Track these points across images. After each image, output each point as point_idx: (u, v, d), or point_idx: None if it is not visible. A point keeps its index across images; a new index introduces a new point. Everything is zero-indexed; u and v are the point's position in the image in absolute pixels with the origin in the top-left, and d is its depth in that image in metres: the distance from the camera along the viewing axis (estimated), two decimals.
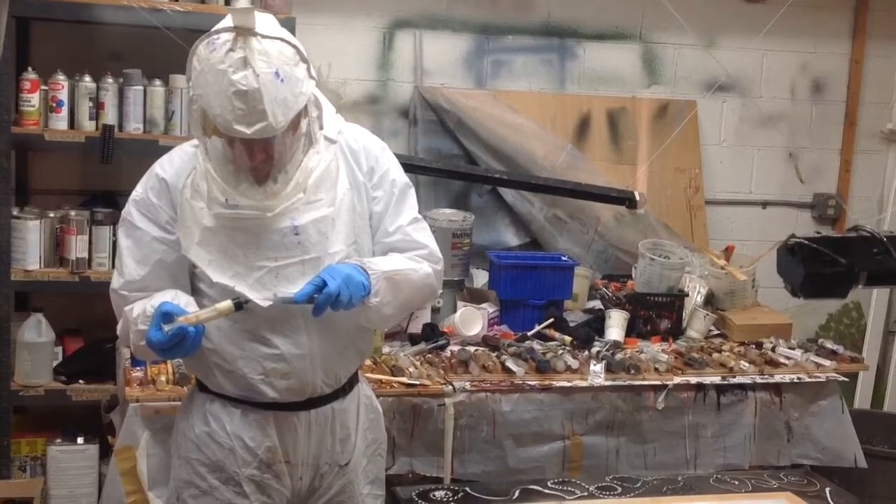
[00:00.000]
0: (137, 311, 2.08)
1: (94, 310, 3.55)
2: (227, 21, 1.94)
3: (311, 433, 2.21)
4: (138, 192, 2.15)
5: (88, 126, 3.37)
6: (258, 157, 1.99)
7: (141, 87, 3.41)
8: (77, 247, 3.38)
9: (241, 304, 1.99)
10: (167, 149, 2.21)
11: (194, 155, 2.10)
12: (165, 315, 1.98)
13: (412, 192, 2.28)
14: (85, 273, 3.39)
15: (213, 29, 1.96)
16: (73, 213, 3.42)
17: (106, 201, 3.55)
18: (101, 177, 3.63)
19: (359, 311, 2.10)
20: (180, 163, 2.14)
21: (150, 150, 3.30)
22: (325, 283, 1.99)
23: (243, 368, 2.12)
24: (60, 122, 3.37)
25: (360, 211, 2.18)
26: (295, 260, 2.06)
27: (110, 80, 3.39)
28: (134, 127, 3.40)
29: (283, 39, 1.96)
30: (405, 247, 2.22)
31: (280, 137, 1.98)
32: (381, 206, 2.21)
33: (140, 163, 3.32)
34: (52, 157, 3.63)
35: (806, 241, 1.55)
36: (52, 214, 3.42)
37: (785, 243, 1.58)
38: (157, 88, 3.42)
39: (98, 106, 3.38)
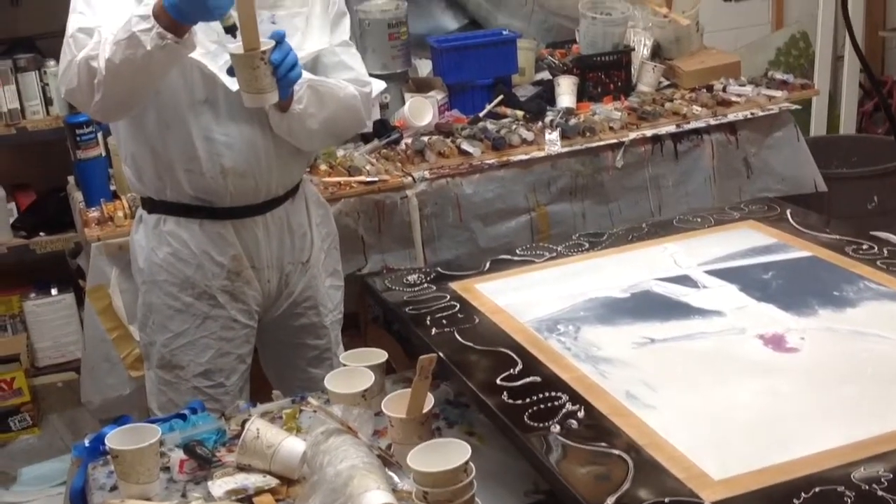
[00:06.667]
0: (117, 24, 1.91)
1: (38, 160, 3.49)
2: None
3: (270, 235, 2.24)
4: None
5: None
6: None
7: None
8: (6, 98, 3.27)
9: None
10: None
11: None
12: None
13: (347, 19, 2.27)
14: (20, 124, 3.30)
15: None
16: None
17: (26, 46, 3.42)
18: (14, 23, 3.48)
19: (280, 121, 2.09)
20: None
21: None
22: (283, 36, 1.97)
23: (204, 164, 2.11)
24: None
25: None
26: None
27: None
28: None
29: None
30: (329, 65, 2.20)
31: None
32: None
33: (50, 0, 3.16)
34: None
35: None
36: None
37: None
38: None
39: None
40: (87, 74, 1.93)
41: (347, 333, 2.60)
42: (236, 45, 1.92)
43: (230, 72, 1.96)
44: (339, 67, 2.22)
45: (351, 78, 2.23)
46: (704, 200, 3.26)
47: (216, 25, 1.93)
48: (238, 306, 2.25)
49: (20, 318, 3.51)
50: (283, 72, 1.94)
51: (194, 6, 1.83)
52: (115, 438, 1.71)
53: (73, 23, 1.99)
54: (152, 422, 1.81)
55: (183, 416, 1.91)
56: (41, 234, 3.42)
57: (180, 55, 1.92)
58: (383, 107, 3.41)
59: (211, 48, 2.04)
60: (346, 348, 2.41)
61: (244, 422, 1.82)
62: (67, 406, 3.48)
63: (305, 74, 2.08)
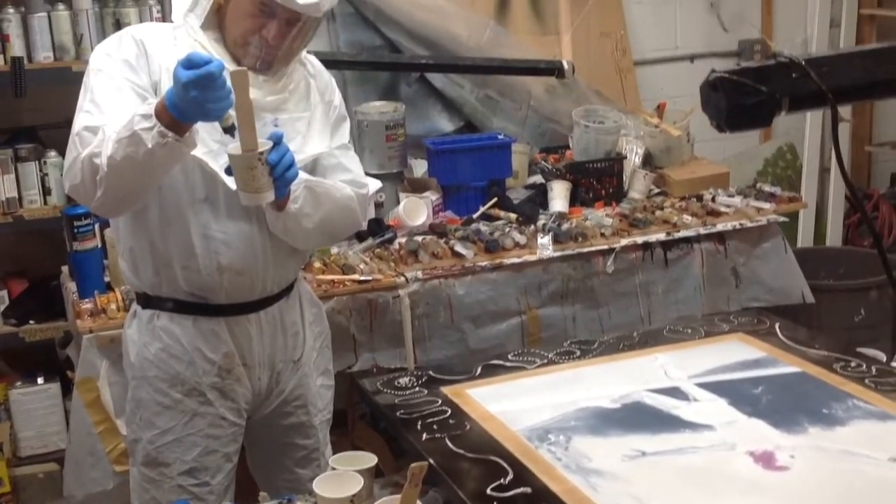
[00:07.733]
0: (121, 123, 1.92)
1: (32, 249, 3.50)
2: None
3: (263, 333, 2.24)
4: (108, 50, 2.07)
5: None
6: (285, 33, 2.06)
7: (45, 14, 3.29)
8: (5, 187, 3.30)
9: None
10: (81, 74, 2.12)
11: (168, 29, 2.11)
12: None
13: (347, 123, 2.35)
14: (17, 213, 3.32)
15: None
16: None
17: (27, 136, 3.46)
18: (17, 113, 3.53)
19: (276, 220, 2.12)
20: (156, 33, 2.11)
21: (64, 78, 3.21)
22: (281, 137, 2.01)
23: (201, 261, 2.12)
24: None
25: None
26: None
27: (11, 10, 3.27)
28: (43, 56, 3.29)
29: None
30: (328, 166, 2.25)
31: (308, 24, 2.08)
32: None
33: (54, 92, 3.24)
34: None
35: (726, 75, 1.54)
36: None
37: (707, 79, 1.57)
38: (62, 13, 3.31)
39: (2, 38, 3.26)
40: (90, 171, 1.96)
41: (335, 432, 2.59)
42: (234, 146, 1.96)
43: (228, 171, 2.00)
44: (337, 169, 2.27)
45: (348, 179, 2.27)
46: (694, 308, 3.30)
47: (218, 125, 1.97)
48: (227, 404, 2.24)
49: (5, 406, 3.47)
50: (280, 172, 1.98)
51: (194, 106, 1.86)
52: None
53: (80, 121, 2.02)
54: None
55: None
56: (31, 322, 3.41)
57: (181, 153, 1.95)
58: (378, 206, 3.45)
59: (213, 147, 2.08)
60: (334, 448, 2.41)
61: None
62: (48, 498, 3.42)
63: (302, 175, 2.11)
